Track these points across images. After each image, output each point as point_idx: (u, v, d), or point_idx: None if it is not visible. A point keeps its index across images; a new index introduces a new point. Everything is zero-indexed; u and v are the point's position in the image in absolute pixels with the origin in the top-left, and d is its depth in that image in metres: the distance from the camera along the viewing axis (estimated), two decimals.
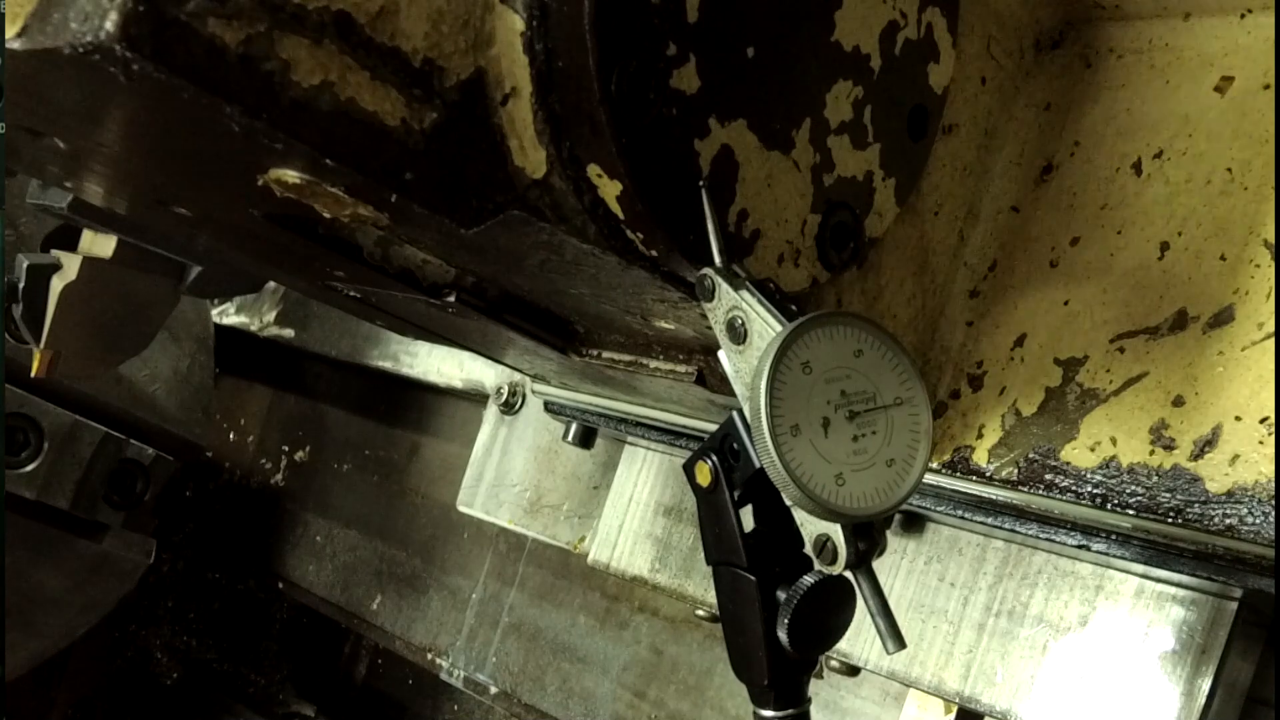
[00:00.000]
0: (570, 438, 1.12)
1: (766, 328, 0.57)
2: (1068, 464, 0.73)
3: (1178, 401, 0.70)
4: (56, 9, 0.42)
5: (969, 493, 0.77)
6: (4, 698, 1.65)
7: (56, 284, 0.98)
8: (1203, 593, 0.72)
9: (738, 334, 0.59)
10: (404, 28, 0.49)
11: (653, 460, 1.06)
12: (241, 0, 0.43)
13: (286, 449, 2.00)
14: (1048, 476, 0.73)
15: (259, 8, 0.44)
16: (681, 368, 0.76)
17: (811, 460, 0.55)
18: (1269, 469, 0.65)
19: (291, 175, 0.52)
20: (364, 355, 1.69)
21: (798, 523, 0.59)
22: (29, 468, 1.52)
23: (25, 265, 0.99)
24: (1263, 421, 0.66)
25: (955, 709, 1.00)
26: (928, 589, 0.84)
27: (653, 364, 0.78)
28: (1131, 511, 0.69)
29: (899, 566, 0.86)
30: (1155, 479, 0.69)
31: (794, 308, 0.58)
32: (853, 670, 0.89)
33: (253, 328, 1.87)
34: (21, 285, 0.99)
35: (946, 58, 0.71)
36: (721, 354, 0.60)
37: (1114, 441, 0.71)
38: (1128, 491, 0.70)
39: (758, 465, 0.58)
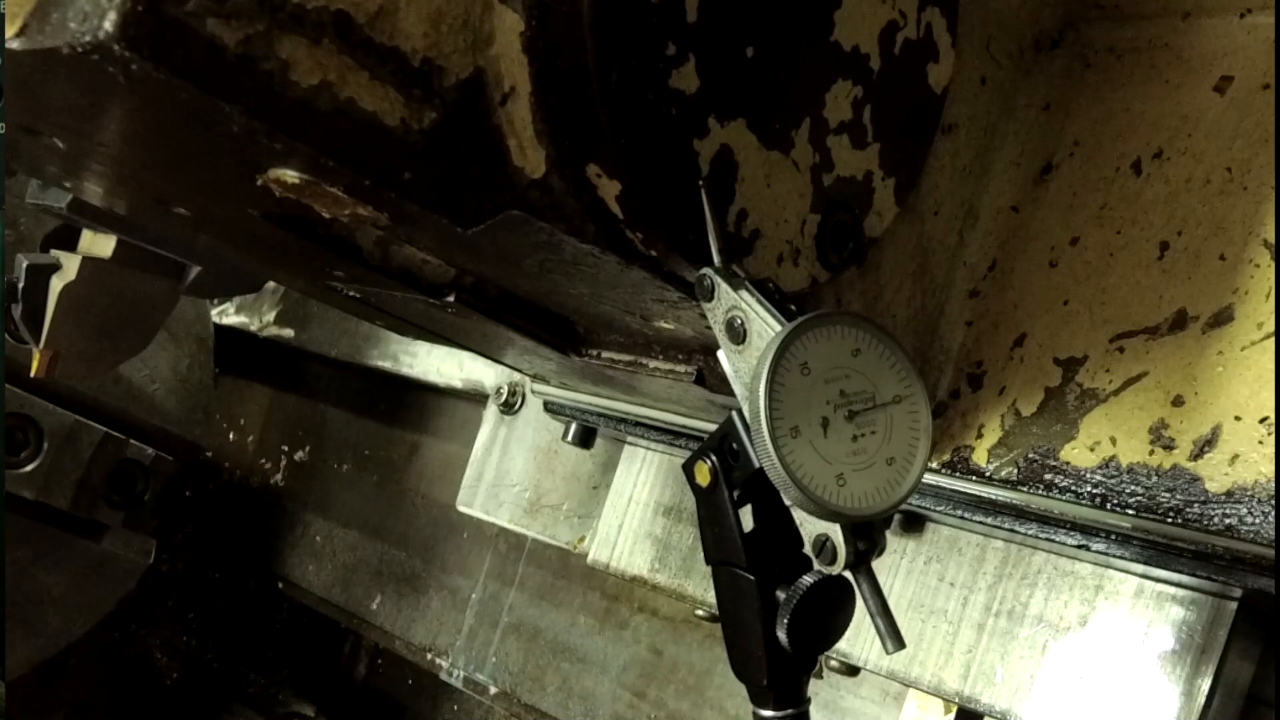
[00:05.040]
0: (570, 438, 1.12)
1: (765, 328, 0.57)
2: (1067, 464, 0.72)
3: (1177, 401, 0.70)
4: (55, 9, 0.42)
5: (969, 493, 0.77)
6: (4, 698, 1.65)
7: (56, 284, 0.98)
8: (1202, 593, 0.72)
9: (737, 334, 0.59)
10: (403, 27, 0.49)
11: (652, 460, 1.06)
12: (240, 0, 0.43)
13: (286, 449, 2.00)
14: (1047, 476, 0.73)
15: (258, 7, 0.44)
16: (681, 368, 0.76)
17: (811, 461, 0.55)
18: (1268, 469, 0.65)
19: (291, 175, 0.52)
20: (364, 355, 1.69)
21: (797, 522, 0.59)
22: (29, 468, 1.52)
23: (25, 265, 0.99)
24: (1262, 421, 0.66)
25: (955, 709, 1.00)
26: (927, 589, 0.84)
27: (652, 364, 0.78)
28: (1131, 511, 0.69)
29: (899, 566, 0.86)
30: (1155, 479, 0.69)
31: (793, 308, 0.58)
32: (852, 670, 0.89)
33: (252, 328, 1.87)
34: (21, 285, 0.99)
35: (946, 57, 0.71)
36: (721, 354, 0.60)
37: (1114, 441, 0.71)
38: (1127, 491, 0.70)
39: (757, 465, 0.58)
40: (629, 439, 1.07)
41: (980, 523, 0.78)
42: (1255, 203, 0.70)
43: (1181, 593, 0.73)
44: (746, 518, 0.63)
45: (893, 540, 0.86)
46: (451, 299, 0.73)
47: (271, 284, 1.59)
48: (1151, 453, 0.69)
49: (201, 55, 0.43)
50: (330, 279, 0.79)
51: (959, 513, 0.78)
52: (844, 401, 0.57)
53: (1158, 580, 0.74)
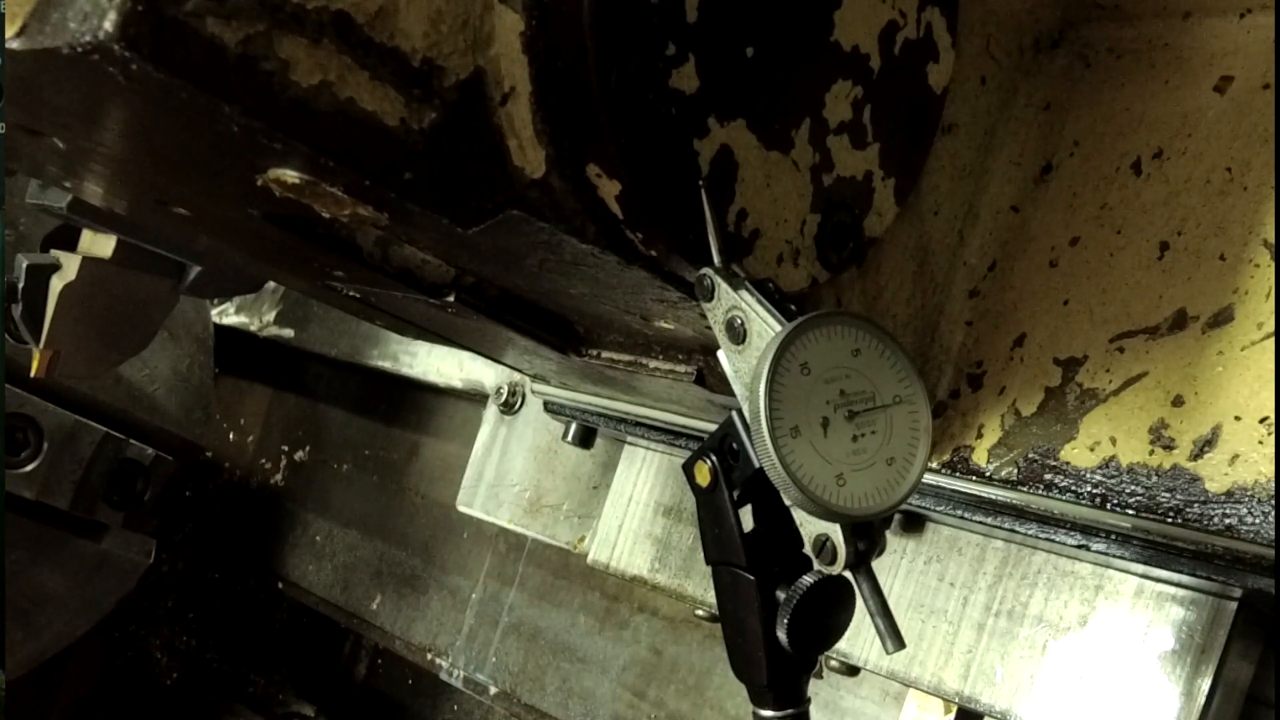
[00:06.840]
0: (570, 437, 1.12)
1: (765, 328, 0.57)
2: (1067, 464, 0.72)
3: (1177, 401, 0.70)
4: (55, 9, 0.42)
5: (969, 493, 0.77)
6: (4, 698, 1.65)
7: (56, 284, 0.98)
8: (1202, 593, 0.72)
9: (737, 334, 0.59)
10: (403, 27, 0.49)
11: (652, 460, 1.06)
12: (240, 0, 0.43)
13: (286, 449, 2.00)
14: (1047, 476, 0.73)
15: (258, 7, 0.44)
16: (681, 368, 0.76)
17: (812, 461, 0.55)
18: (1268, 469, 0.65)
19: (290, 175, 0.52)
20: (364, 355, 1.69)
21: (797, 522, 0.59)
22: (29, 468, 1.52)
23: (25, 265, 0.99)
24: (1262, 421, 0.66)
25: (955, 709, 1.00)
26: (927, 589, 0.84)
27: (652, 364, 0.78)
28: (1131, 511, 0.69)
29: (898, 566, 0.86)
30: (1155, 479, 0.69)
31: (793, 308, 0.58)
32: (852, 670, 0.89)
33: (252, 328, 1.87)
34: (21, 285, 0.99)
35: (946, 57, 0.71)
36: (721, 354, 0.60)
37: (1114, 441, 0.71)
38: (1127, 491, 0.70)
39: (757, 465, 0.58)
40: (629, 439, 1.07)
41: (980, 523, 0.78)
42: (1255, 203, 0.70)
43: (1181, 593, 0.73)
44: (746, 518, 0.63)
45: (893, 540, 0.86)
46: (451, 299, 0.74)
47: (271, 284, 1.59)
48: (1151, 453, 0.69)
49: (201, 55, 0.43)
50: (330, 279, 0.79)
51: (959, 513, 0.78)
52: (844, 401, 0.57)
53: (1158, 580, 0.74)
